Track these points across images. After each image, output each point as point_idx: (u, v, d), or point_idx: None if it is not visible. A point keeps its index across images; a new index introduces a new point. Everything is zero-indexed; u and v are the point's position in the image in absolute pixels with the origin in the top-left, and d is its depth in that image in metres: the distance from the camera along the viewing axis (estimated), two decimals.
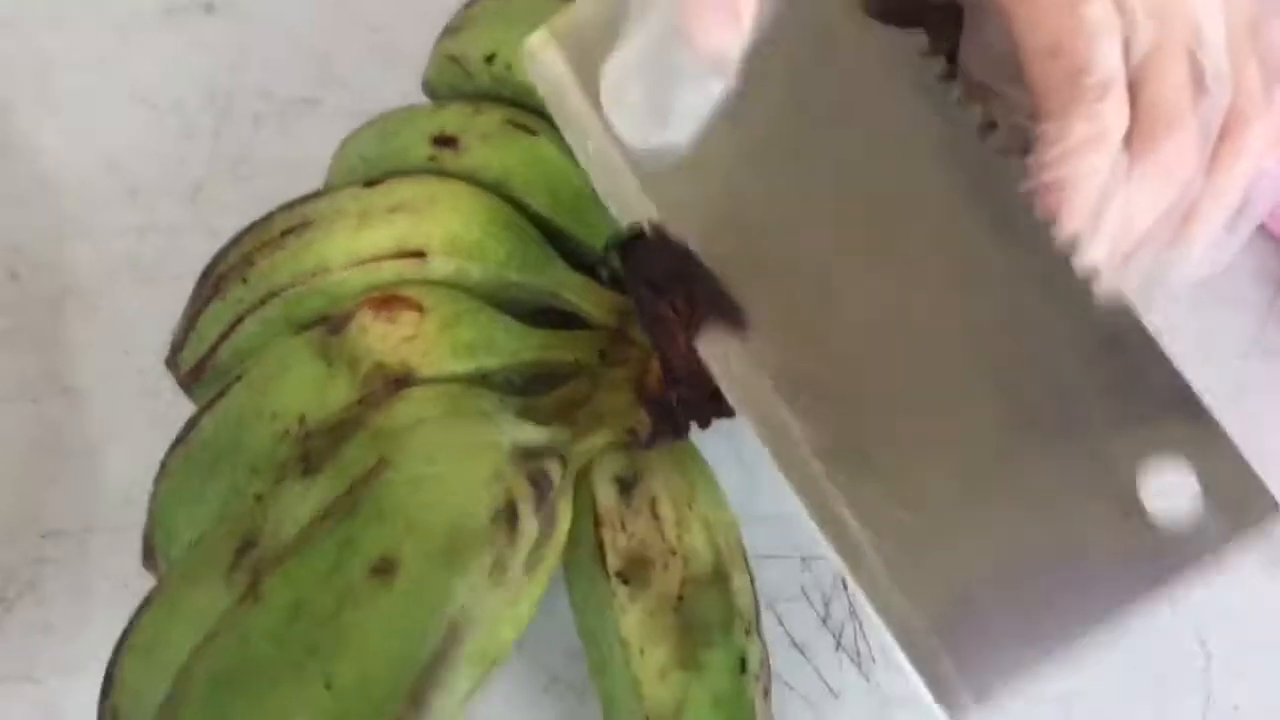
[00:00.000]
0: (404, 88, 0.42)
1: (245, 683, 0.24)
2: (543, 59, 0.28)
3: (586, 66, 0.27)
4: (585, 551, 0.31)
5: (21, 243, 0.45)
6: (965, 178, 0.27)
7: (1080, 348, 0.27)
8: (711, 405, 0.30)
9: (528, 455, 0.27)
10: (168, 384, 0.38)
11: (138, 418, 0.42)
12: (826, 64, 0.27)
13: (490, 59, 0.36)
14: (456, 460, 0.26)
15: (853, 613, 0.39)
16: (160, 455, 0.34)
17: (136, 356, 0.43)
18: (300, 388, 0.31)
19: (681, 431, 0.31)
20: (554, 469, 0.28)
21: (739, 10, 0.25)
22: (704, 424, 0.31)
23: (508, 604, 0.28)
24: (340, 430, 0.29)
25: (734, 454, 0.40)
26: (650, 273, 0.27)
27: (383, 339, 0.30)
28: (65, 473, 0.41)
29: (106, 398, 0.43)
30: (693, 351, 0.27)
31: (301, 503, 0.27)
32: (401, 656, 0.25)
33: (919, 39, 0.28)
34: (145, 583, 0.32)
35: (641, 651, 0.30)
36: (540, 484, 0.27)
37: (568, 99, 0.28)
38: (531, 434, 0.29)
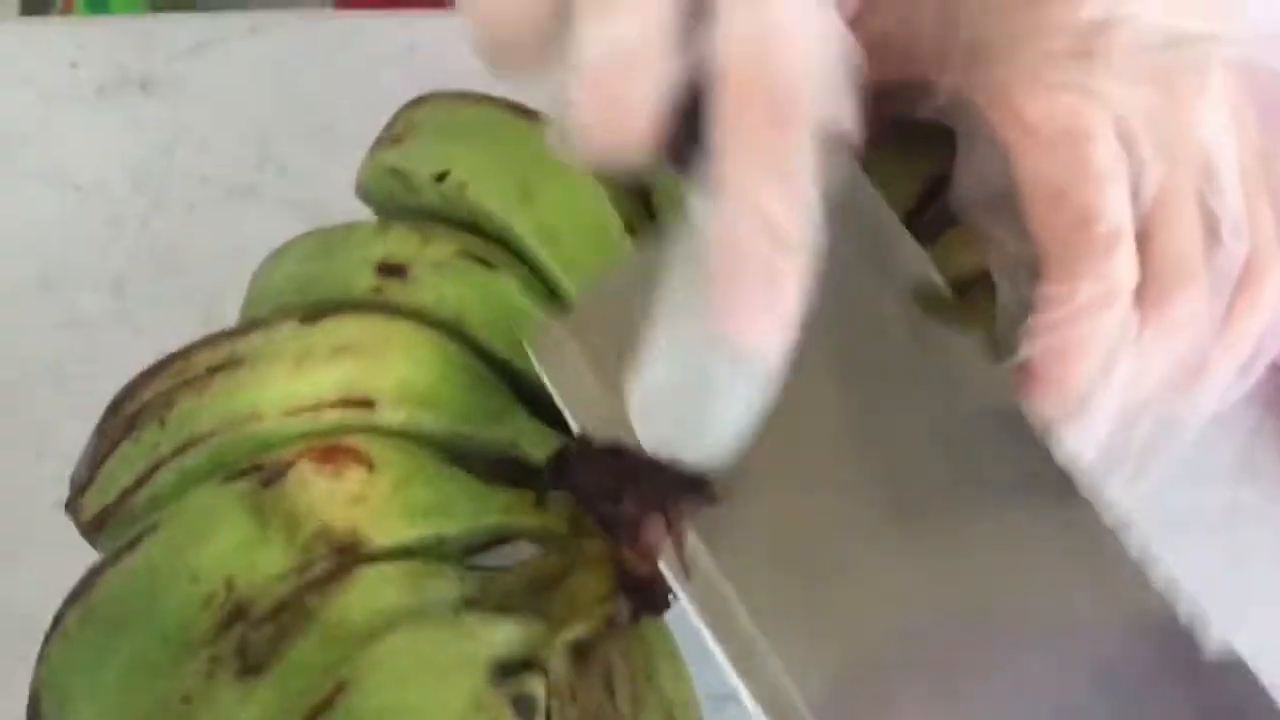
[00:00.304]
0: (346, 176, 0.39)
1: None
2: (550, 346, 0.26)
3: (601, 355, 0.25)
4: None
5: None
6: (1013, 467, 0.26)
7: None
8: None
9: (506, 672, 0.25)
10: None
11: (48, 533, 0.39)
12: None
13: (441, 177, 0.33)
14: (429, 685, 0.24)
15: None
16: (71, 581, 0.31)
17: (51, 462, 0.39)
18: (228, 547, 0.28)
19: (663, 608, 0.29)
20: (537, 687, 0.25)
21: (783, 301, 0.20)
22: None
23: None
24: (283, 618, 0.26)
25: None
26: (590, 482, 0.25)
27: (327, 498, 0.27)
28: None
29: (15, 507, 0.40)
30: (651, 551, 0.25)
31: (240, 711, 0.24)
32: None
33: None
34: None
35: None
36: (522, 708, 0.24)
37: (580, 386, 0.26)
38: (508, 637, 0.26)
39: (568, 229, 0.32)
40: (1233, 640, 0.25)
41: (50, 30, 0.51)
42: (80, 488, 0.31)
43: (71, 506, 0.31)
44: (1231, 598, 0.28)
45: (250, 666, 0.25)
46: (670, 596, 0.28)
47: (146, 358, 0.32)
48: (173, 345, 0.32)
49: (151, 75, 0.48)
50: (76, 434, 0.33)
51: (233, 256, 0.37)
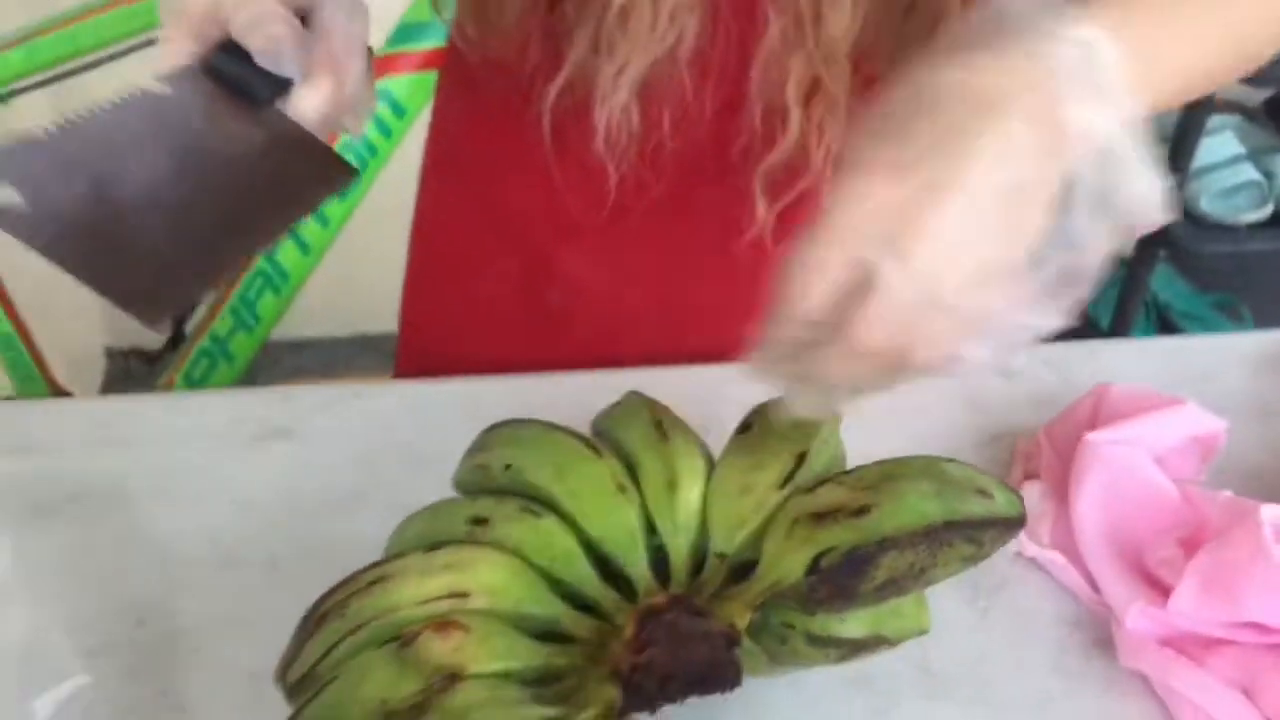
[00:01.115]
0: (431, 487, 0.59)
1: None
2: None
3: None
4: None
5: (143, 598, 0.60)
6: None
7: None
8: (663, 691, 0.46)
9: None
10: (264, 702, 0.52)
11: None
12: None
13: (508, 467, 0.54)
14: None
15: None
16: None
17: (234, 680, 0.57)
18: (381, 682, 0.46)
19: (648, 706, 0.46)
20: None
21: None
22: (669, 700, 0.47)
23: None
24: (417, 710, 0.44)
25: None
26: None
27: (441, 647, 0.46)
28: None
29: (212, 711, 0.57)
30: None
31: None
32: None
33: None
34: None
35: None
36: None
37: None
38: (546, 712, 0.44)
39: (584, 491, 0.52)
40: None
41: (219, 397, 0.74)
42: (286, 663, 0.49)
43: (280, 675, 0.49)
44: None
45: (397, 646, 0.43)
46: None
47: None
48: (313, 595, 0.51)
49: (289, 428, 0.70)
50: (253, 660, 0.51)
51: (352, 546, 0.57)
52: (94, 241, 0.48)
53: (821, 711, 0.57)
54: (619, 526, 0.52)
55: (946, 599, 0.62)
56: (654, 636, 0.48)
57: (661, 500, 0.53)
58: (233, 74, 0.53)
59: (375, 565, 0.51)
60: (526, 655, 0.48)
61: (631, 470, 0.54)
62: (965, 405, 0.75)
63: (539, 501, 0.53)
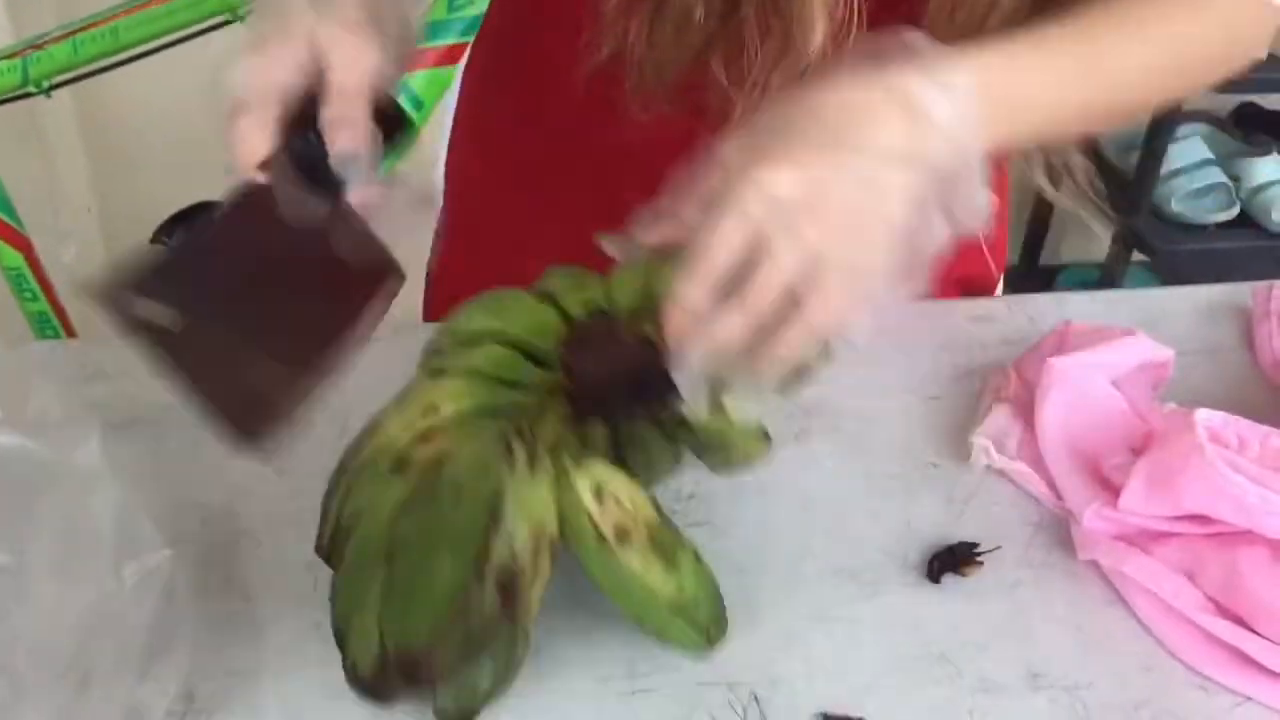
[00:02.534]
0: None
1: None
2: None
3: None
4: (590, 540, 0.55)
5: (208, 501, 0.68)
6: None
7: None
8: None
9: (512, 425, 0.55)
10: (319, 589, 0.60)
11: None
12: None
13: (453, 331, 0.64)
14: (473, 439, 0.55)
15: None
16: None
17: (293, 570, 0.64)
18: (390, 500, 0.55)
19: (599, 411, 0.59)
20: (525, 426, 0.55)
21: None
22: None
23: (528, 486, 0.54)
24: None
25: None
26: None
27: (425, 450, 0.56)
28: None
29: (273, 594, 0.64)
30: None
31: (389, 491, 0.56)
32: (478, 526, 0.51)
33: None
34: None
35: (644, 570, 0.55)
36: (522, 432, 0.54)
37: None
38: (506, 428, 0.55)
39: (511, 310, 0.63)
40: None
41: None
42: (319, 537, 0.57)
43: (318, 548, 0.57)
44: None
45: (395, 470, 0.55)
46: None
47: None
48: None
49: None
50: None
51: None
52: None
53: (815, 598, 0.64)
54: (541, 324, 0.62)
55: (925, 504, 0.70)
56: (584, 349, 0.59)
57: (573, 297, 0.63)
58: (309, 158, 0.56)
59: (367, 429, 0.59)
60: (488, 401, 0.59)
61: (554, 296, 0.63)
62: (942, 347, 0.83)
63: (483, 338, 0.62)
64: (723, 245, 0.51)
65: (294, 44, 0.57)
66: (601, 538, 0.55)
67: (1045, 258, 2.33)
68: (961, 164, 0.53)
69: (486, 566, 0.52)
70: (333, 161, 0.57)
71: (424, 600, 0.52)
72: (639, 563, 0.55)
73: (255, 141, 0.56)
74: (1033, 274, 2.29)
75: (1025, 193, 2.30)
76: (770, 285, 0.51)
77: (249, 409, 0.53)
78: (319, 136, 0.57)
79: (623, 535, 0.55)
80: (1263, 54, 0.67)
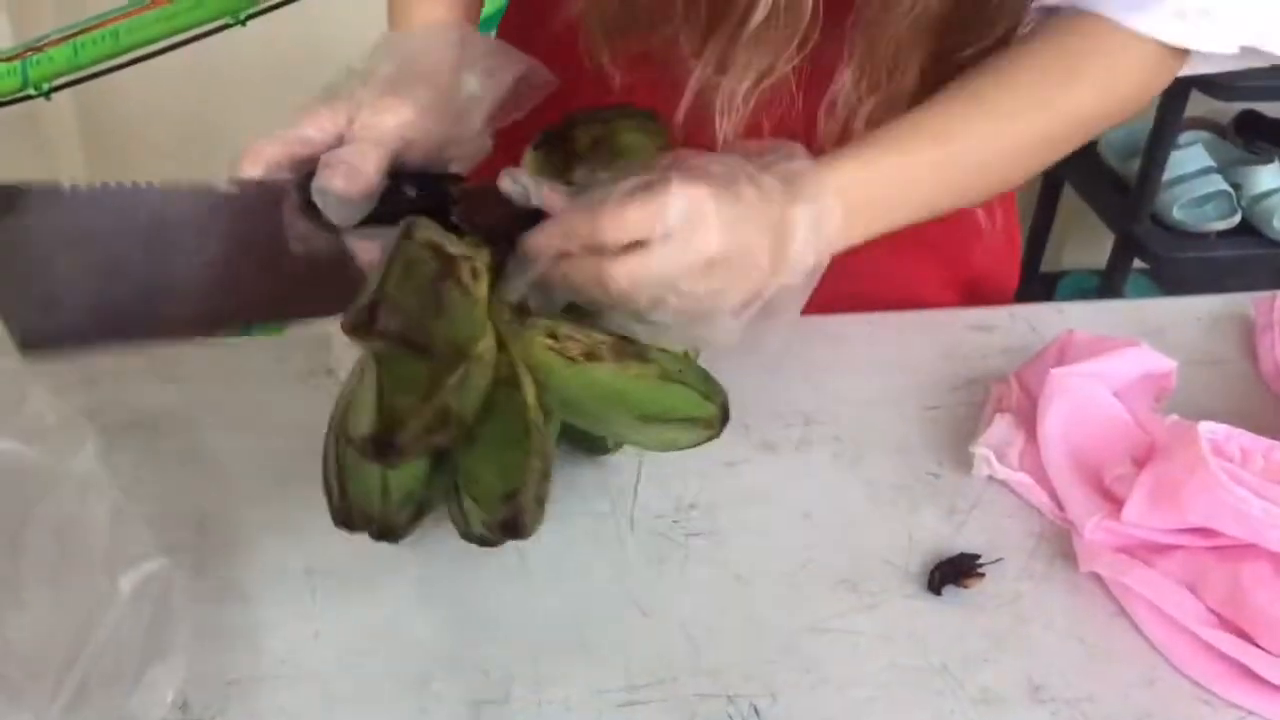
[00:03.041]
0: None
1: None
2: None
3: None
4: (560, 366, 0.59)
5: (205, 507, 0.67)
6: None
7: None
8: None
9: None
10: (317, 595, 0.59)
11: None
12: None
13: None
14: None
15: None
16: None
17: (290, 576, 0.64)
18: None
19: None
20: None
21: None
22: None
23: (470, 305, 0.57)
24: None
25: (679, 621, 0.62)
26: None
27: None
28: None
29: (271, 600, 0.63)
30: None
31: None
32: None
33: None
34: None
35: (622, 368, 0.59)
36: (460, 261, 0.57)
37: None
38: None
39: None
40: None
41: (268, 342, 0.81)
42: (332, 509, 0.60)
43: (338, 520, 0.59)
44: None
45: None
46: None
47: None
48: None
49: (332, 368, 0.77)
50: None
51: None
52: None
53: (816, 609, 0.64)
54: None
55: (927, 514, 0.70)
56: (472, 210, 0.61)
57: None
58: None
59: None
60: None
61: None
62: (943, 356, 0.82)
63: None
64: (632, 219, 0.55)
65: (334, 105, 0.59)
66: (571, 359, 0.58)
67: (1045, 265, 2.33)
68: (815, 262, 0.60)
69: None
70: (313, 189, 0.57)
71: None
72: (615, 365, 0.59)
73: (268, 151, 0.58)
74: (1032, 281, 2.29)
75: (1026, 201, 2.31)
76: (649, 271, 0.56)
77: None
78: None
79: (591, 354, 0.58)
80: (1147, 100, 0.69)
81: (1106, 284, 2.02)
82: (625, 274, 0.56)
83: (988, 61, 0.65)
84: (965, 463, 0.73)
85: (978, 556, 0.66)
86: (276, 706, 0.58)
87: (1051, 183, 2.20)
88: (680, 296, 0.57)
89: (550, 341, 0.59)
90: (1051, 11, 0.66)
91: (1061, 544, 0.68)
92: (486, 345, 0.58)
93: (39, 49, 1.26)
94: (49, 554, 0.54)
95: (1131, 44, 0.65)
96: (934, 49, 0.65)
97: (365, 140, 0.58)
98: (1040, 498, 0.70)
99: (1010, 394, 0.76)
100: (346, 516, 0.60)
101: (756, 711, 0.59)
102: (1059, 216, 2.26)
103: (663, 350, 0.61)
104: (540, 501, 0.58)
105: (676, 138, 0.70)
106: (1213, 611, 0.63)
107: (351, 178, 0.57)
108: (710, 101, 0.68)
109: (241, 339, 0.80)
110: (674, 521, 0.69)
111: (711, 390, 0.62)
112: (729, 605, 0.64)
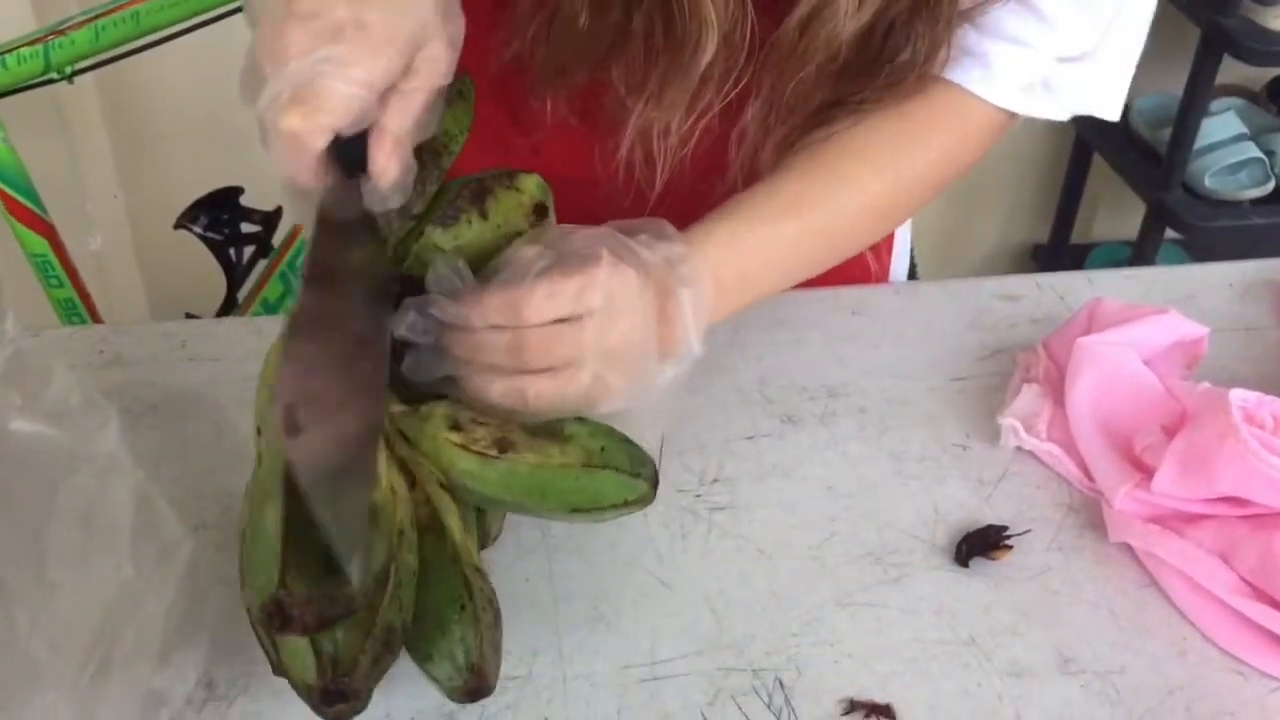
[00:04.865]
0: None
1: None
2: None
3: None
4: (474, 466, 0.55)
5: (231, 486, 0.67)
6: None
7: None
8: None
9: None
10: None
11: None
12: None
13: None
14: None
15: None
16: None
17: None
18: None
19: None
20: None
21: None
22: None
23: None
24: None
25: (703, 595, 0.61)
26: None
27: None
28: None
29: None
30: None
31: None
32: None
33: None
34: None
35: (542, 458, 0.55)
36: None
37: None
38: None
39: None
40: None
41: None
42: None
43: None
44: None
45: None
46: None
47: None
48: None
49: None
50: None
51: None
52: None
53: (841, 582, 0.64)
54: None
55: (953, 486, 0.69)
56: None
57: None
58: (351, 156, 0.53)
59: None
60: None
61: None
62: (969, 326, 0.81)
63: None
64: (550, 300, 0.54)
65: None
66: (484, 455, 0.54)
67: (1076, 236, 2.30)
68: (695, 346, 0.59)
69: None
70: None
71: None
72: (534, 456, 0.55)
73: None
74: (1062, 252, 2.26)
75: (1055, 170, 2.28)
76: (563, 346, 0.54)
77: None
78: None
79: (504, 445, 0.55)
80: (982, 158, 0.72)
81: (1138, 254, 1.99)
82: (543, 393, 0.55)
83: (839, 129, 0.68)
84: (993, 434, 0.72)
85: (1005, 528, 0.65)
86: None
87: (1081, 153, 2.17)
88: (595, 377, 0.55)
89: (455, 436, 0.55)
90: (900, 71, 0.67)
91: (1091, 514, 0.67)
92: (403, 512, 0.55)
93: (61, 33, 1.26)
94: (74, 535, 0.54)
95: (979, 111, 0.69)
96: (832, 92, 0.67)
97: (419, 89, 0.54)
98: (1069, 468, 0.69)
99: (1038, 363, 0.75)
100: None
101: (781, 685, 0.58)
102: (1089, 187, 2.22)
103: (576, 420, 0.57)
104: (497, 648, 0.56)
105: (616, 175, 0.70)
106: (1245, 581, 0.62)
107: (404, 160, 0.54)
108: (647, 137, 0.68)
109: (265, 316, 0.80)
110: (696, 495, 0.68)
111: (639, 464, 0.57)
112: (752, 579, 0.64)
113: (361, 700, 0.53)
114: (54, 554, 0.53)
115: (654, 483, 0.58)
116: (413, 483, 0.57)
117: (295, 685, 0.53)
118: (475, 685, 0.54)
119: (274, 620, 0.50)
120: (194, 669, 0.57)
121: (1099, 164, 2.15)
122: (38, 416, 0.57)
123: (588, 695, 0.58)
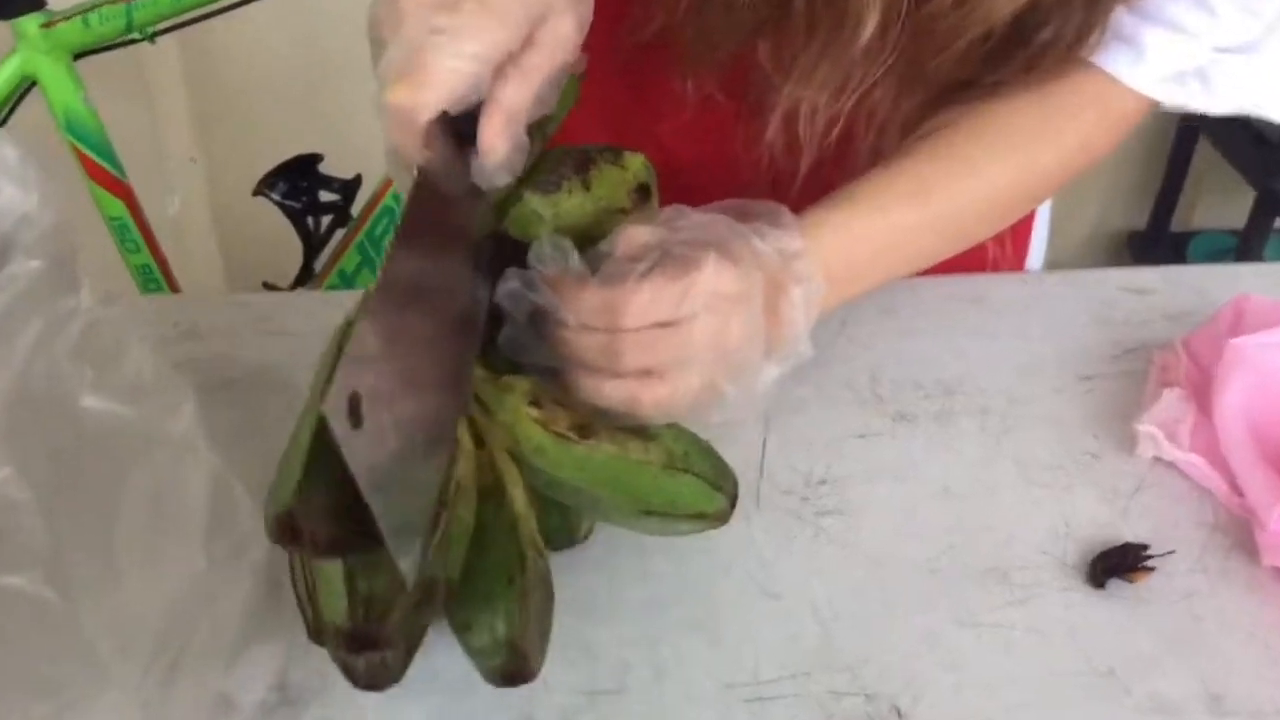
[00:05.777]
0: None
1: None
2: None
3: None
4: (550, 445, 0.51)
5: None
6: None
7: None
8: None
9: None
10: None
11: None
12: None
13: None
14: None
15: None
16: None
17: None
18: None
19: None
20: None
21: None
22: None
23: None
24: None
25: (811, 607, 0.57)
26: None
27: None
28: None
29: None
30: None
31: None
32: None
33: None
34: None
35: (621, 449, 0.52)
36: None
37: None
38: None
39: None
40: None
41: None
42: None
43: None
44: None
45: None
46: None
47: None
48: None
49: None
50: None
51: None
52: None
53: (962, 599, 0.58)
54: None
55: (1084, 498, 0.63)
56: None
57: None
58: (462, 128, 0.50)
59: None
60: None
61: None
62: (1096, 321, 0.75)
63: None
64: (652, 305, 0.50)
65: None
66: (562, 436, 0.50)
67: (1176, 224, 2.21)
68: (803, 332, 0.56)
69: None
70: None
71: None
72: (613, 447, 0.51)
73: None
74: (1161, 240, 2.16)
75: (1158, 154, 2.18)
76: (670, 348, 0.51)
77: None
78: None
79: (584, 430, 0.51)
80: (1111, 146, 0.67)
81: (1244, 244, 1.90)
82: (654, 401, 0.51)
83: (967, 113, 0.64)
84: (1127, 441, 0.66)
85: (1146, 546, 0.60)
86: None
87: (1185, 135, 2.08)
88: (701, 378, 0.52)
89: (535, 412, 0.51)
90: (1041, 51, 0.61)
91: (1240, 535, 0.61)
92: (466, 466, 0.51)
93: None
94: (144, 522, 0.51)
95: (1124, 99, 0.64)
96: (971, 72, 0.62)
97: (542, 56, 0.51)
98: (1215, 482, 0.63)
99: (1178, 364, 0.68)
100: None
101: (898, 713, 0.53)
102: (1192, 172, 2.13)
103: (671, 426, 0.54)
104: (545, 633, 0.52)
105: (762, 158, 0.66)
106: None
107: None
108: (793, 119, 0.64)
109: (347, 291, 0.76)
110: (803, 498, 0.63)
111: (721, 477, 0.55)
112: (864, 591, 0.59)
113: (393, 652, 0.48)
114: (123, 543, 0.50)
115: (733, 501, 0.55)
116: (479, 444, 0.53)
117: (326, 637, 0.49)
118: (515, 667, 0.50)
119: (285, 535, 0.46)
120: (269, 670, 0.53)
121: (1204, 147, 2.05)
122: (110, 393, 0.53)
123: (685, 712, 0.53)
